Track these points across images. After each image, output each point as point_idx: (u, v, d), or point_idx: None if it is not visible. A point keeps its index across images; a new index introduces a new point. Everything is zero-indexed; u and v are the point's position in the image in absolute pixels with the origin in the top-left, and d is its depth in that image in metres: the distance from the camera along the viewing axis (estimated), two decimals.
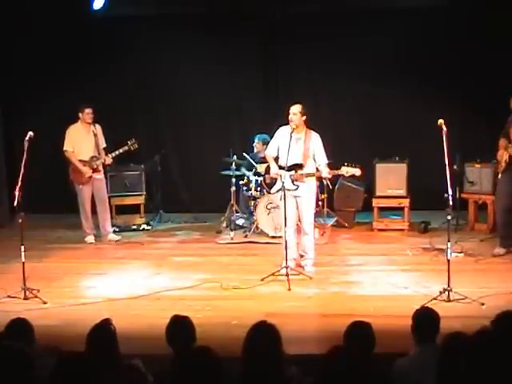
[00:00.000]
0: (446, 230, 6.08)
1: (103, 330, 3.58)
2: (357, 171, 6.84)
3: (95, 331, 3.57)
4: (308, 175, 6.90)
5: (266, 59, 10.35)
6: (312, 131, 6.97)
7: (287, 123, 6.91)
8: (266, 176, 7.81)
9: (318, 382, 3.05)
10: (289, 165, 6.82)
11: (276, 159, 7.06)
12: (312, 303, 6.06)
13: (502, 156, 7.17)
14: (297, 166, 6.86)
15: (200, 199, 10.30)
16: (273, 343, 3.25)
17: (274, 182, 7.28)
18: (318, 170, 6.98)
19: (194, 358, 3.01)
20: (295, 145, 6.81)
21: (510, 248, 7.32)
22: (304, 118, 6.87)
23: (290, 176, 6.82)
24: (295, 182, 6.84)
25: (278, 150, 7.02)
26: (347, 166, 6.85)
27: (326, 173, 6.92)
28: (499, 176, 7.37)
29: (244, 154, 8.99)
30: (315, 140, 6.93)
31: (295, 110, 6.82)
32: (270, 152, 7.12)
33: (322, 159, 6.93)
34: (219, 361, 2.95)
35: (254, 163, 8.73)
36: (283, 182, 6.65)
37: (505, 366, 2.97)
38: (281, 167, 6.91)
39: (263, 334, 3.30)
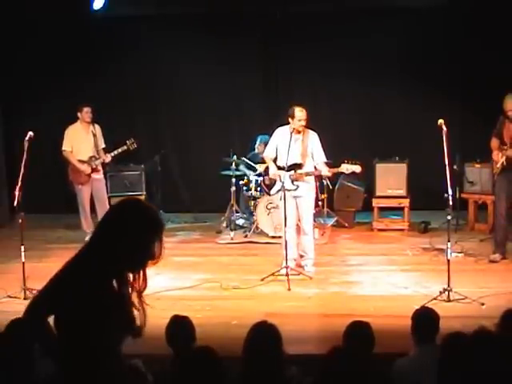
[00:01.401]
0: (446, 230, 6.08)
1: None
2: (357, 168, 6.82)
3: None
4: (307, 174, 6.90)
5: (266, 59, 10.36)
6: (309, 130, 6.96)
7: (287, 123, 6.90)
8: (265, 177, 7.81)
9: (317, 382, 3.05)
10: (288, 165, 6.81)
11: (274, 160, 7.05)
12: (312, 303, 6.06)
13: (498, 158, 7.12)
14: (296, 166, 6.86)
15: (200, 199, 10.30)
16: (273, 343, 3.25)
17: (273, 182, 7.28)
18: (316, 168, 6.96)
19: (194, 357, 3.01)
20: (294, 144, 6.80)
21: (505, 254, 7.23)
22: None
23: (290, 176, 6.82)
24: (295, 182, 6.83)
25: (276, 150, 7.02)
26: (347, 163, 6.83)
27: (325, 171, 6.92)
28: (495, 177, 7.33)
29: (244, 158, 8.96)
30: (313, 139, 6.93)
31: (306, 115, 6.81)
32: (268, 153, 7.12)
33: (321, 157, 6.93)
34: (220, 361, 2.95)
35: (255, 166, 8.72)
36: (283, 182, 6.65)
37: (506, 366, 2.97)
38: (279, 168, 6.91)
39: (264, 334, 3.31)
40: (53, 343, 2.52)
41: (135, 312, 2.60)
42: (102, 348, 2.46)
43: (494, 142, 7.16)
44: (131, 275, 2.56)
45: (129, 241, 2.47)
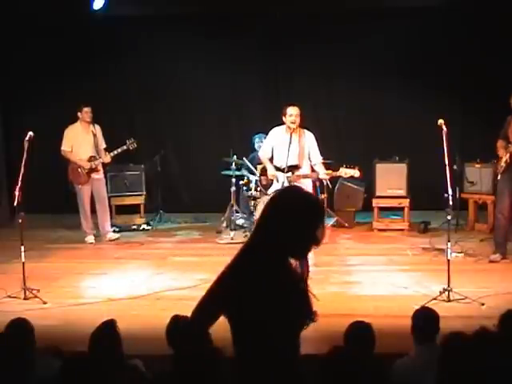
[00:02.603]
0: (446, 230, 6.08)
1: (109, 331, 3.57)
2: (355, 172, 6.79)
3: (100, 331, 3.56)
4: (305, 176, 6.88)
5: (267, 59, 10.36)
6: (305, 130, 6.94)
7: (283, 123, 6.89)
8: (262, 178, 7.80)
9: (317, 381, 3.05)
10: (285, 166, 6.79)
11: (270, 160, 7.04)
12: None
13: (502, 156, 7.10)
14: (293, 167, 6.84)
15: (200, 199, 10.30)
16: None
17: (270, 183, 7.26)
18: (313, 169, 6.94)
19: (195, 357, 3.01)
20: (290, 146, 6.78)
21: (506, 255, 7.22)
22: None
23: (287, 178, 6.80)
24: (292, 184, 6.82)
25: (272, 151, 7.01)
26: (345, 167, 6.82)
27: (323, 174, 6.88)
28: (498, 177, 7.31)
29: (245, 159, 8.95)
30: (309, 139, 6.91)
31: (297, 111, 6.79)
32: (264, 154, 7.11)
33: (317, 158, 6.91)
34: (221, 361, 2.94)
35: (253, 169, 8.71)
36: (283, 183, 6.64)
37: (506, 366, 2.97)
38: (277, 168, 6.90)
39: None
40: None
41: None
42: (282, 336, 2.49)
43: (500, 143, 7.10)
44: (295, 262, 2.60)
45: (297, 228, 2.50)
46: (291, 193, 2.65)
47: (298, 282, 2.59)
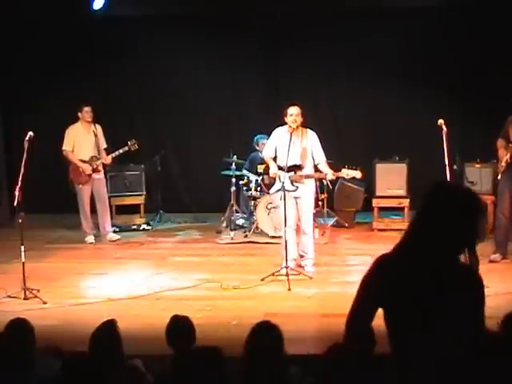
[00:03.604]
0: None
1: (109, 331, 3.57)
2: (357, 173, 6.77)
3: (100, 331, 3.56)
4: (308, 177, 6.88)
5: (267, 59, 10.35)
6: (308, 129, 6.93)
7: (285, 123, 6.88)
8: (265, 177, 7.80)
9: (317, 381, 3.05)
10: (288, 166, 6.79)
11: (274, 159, 7.03)
12: (312, 303, 6.05)
13: (503, 156, 7.08)
14: (296, 167, 6.84)
15: (200, 199, 10.30)
16: (275, 343, 3.25)
17: (272, 182, 7.26)
18: (317, 169, 6.94)
19: (196, 357, 3.01)
20: (292, 145, 6.77)
21: (506, 255, 7.21)
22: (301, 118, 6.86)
23: (290, 177, 6.80)
24: (294, 183, 6.82)
25: (275, 151, 7.00)
26: (347, 168, 6.80)
27: (330, 174, 6.85)
28: (499, 177, 7.29)
29: (244, 169, 8.97)
30: (312, 138, 6.89)
31: (298, 111, 6.78)
32: (267, 153, 7.10)
33: (321, 157, 6.90)
34: (222, 360, 2.95)
35: (256, 169, 8.72)
36: (283, 182, 6.64)
37: (507, 366, 2.97)
38: (280, 168, 6.89)
39: (266, 334, 3.31)
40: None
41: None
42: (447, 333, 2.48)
43: (500, 142, 7.07)
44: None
45: (458, 225, 2.43)
46: (447, 190, 2.54)
47: (466, 277, 2.50)
